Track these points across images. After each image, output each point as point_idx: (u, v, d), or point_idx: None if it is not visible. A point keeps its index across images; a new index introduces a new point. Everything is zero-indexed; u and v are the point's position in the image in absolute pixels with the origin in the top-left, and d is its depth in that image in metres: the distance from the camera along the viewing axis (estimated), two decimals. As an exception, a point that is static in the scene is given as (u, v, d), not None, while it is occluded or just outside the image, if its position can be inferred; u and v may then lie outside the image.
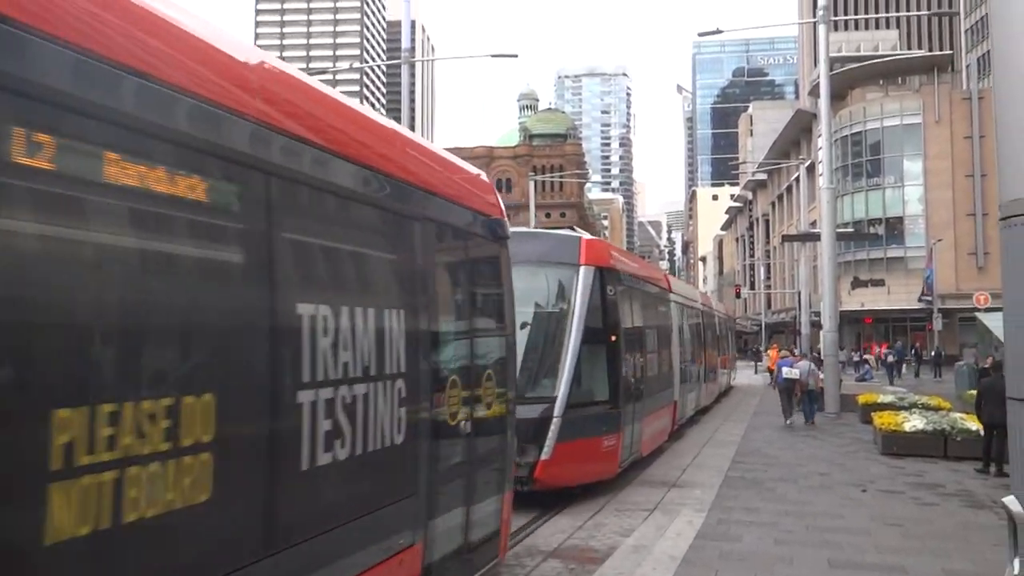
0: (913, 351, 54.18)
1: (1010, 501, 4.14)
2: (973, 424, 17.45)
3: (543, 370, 13.08)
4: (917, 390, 30.05)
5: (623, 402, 13.94)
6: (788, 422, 24.05)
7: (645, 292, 17.65)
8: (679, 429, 21.58)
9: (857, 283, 66.34)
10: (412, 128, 35.07)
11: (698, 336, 26.50)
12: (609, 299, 13.81)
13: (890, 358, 46.70)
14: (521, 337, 11.74)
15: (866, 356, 50.50)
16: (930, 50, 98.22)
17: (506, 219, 8.03)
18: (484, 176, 7.92)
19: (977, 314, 38.37)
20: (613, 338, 13.81)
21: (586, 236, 15.02)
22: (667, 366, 19.45)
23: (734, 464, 16.70)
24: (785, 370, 24.70)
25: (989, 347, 33.63)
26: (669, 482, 14.61)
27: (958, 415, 18.73)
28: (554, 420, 12.35)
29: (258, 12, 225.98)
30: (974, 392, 23.44)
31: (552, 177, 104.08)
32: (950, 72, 73.93)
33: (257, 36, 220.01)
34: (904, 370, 49.64)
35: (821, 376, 28.52)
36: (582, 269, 13.46)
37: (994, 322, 33.39)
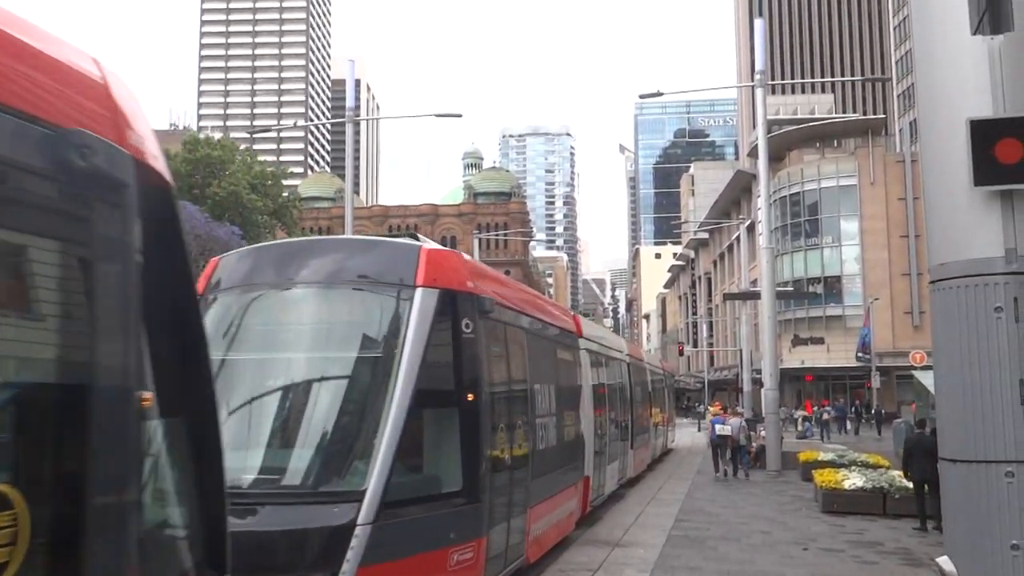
0: (853, 408, 55.02)
1: (943, 561, 4.21)
2: (911, 482, 17.70)
3: (344, 449, 8.50)
4: (857, 447, 30.44)
5: (487, 491, 9.18)
6: (719, 474, 26.01)
7: (534, 333, 12.66)
8: (593, 511, 16.87)
9: (797, 341, 67.37)
10: (356, 186, 34.89)
11: (622, 394, 21.65)
12: (465, 339, 9.18)
13: (824, 415, 47.56)
14: (300, 397, 8.88)
15: (796, 413, 51.00)
16: (864, 114, 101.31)
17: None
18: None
19: (914, 372, 39.09)
20: (470, 397, 9.15)
21: (431, 245, 9.92)
22: (573, 433, 14.52)
23: (677, 523, 16.70)
24: (718, 427, 26.72)
25: (926, 405, 34.25)
26: (613, 542, 14.55)
27: (896, 473, 18.97)
28: (357, 530, 7.68)
29: (202, 70, 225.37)
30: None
31: (497, 235, 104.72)
32: (884, 135, 76.25)
33: (200, 93, 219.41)
34: (848, 426, 50.55)
35: (761, 433, 28.89)
36: (420, 293, 8.82)
37: (930, 380, 33.96)
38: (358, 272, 9.35)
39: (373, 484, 7.77)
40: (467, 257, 10.61)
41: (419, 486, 8.74)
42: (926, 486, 15.74)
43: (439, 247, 10.07)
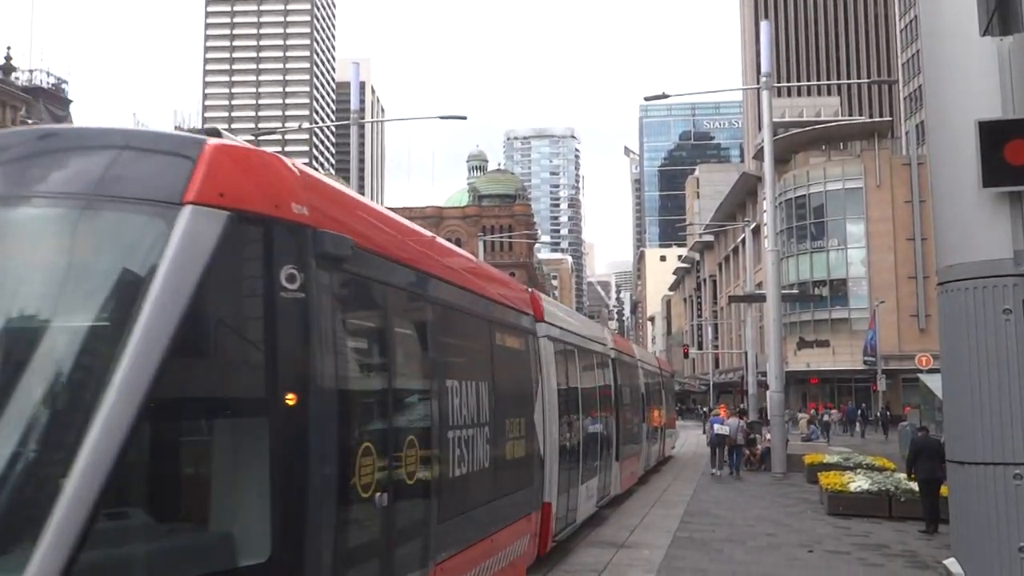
0: (860, 411, 54.98)
1: (950, 563, 4.20)
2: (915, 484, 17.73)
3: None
4: (863, 450, 30.36)
5: (327, 556, 5.24)
6: (715, 472, 27.40)
7: (448, 306, 8.31)
8: (558, 545, 13.11)
9: (803, 344, 67.30)
10: (361, 189, 34.97)
11: (605, 396, 17.78)
12: (284, 301, 5.09)
13: (825, 417, 47.75)
14: None
15: (800, 415, 51.01)
16: (870, 116, 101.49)
17: None
18: None
19: (920, 375, 39.02)
20: (291, 400, 5.04)
21: (232, 141, 5.69)
22: (522, 449, 10.64)
23: (683, 524, 16.68)
24: (716, 427, 28.16)
25: (932, 408, 34.21)
26: (618, 543, 14.54)
27: (902, 475, 18.92)
28: None
29: (207, 72, 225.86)
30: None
31: (501, 237, 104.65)
32: (890, 138, 76.14)
33: (206, 96, 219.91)
34: (857, 428, 50.70)
35: (767, 436, 28.91)
36: (188, 215, 4.71)
37: (936, 383, 33.98)
38: (91, 180, 4.95)
39: (45, 550, 3.84)
40: (303, 167, 5.91)
41: (162, 562, 4.60)
42: (930, 487, 15.94)
43: (244, 145, 5.61)
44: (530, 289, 13.04)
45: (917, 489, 16.62)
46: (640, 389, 24.46)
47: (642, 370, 25.63)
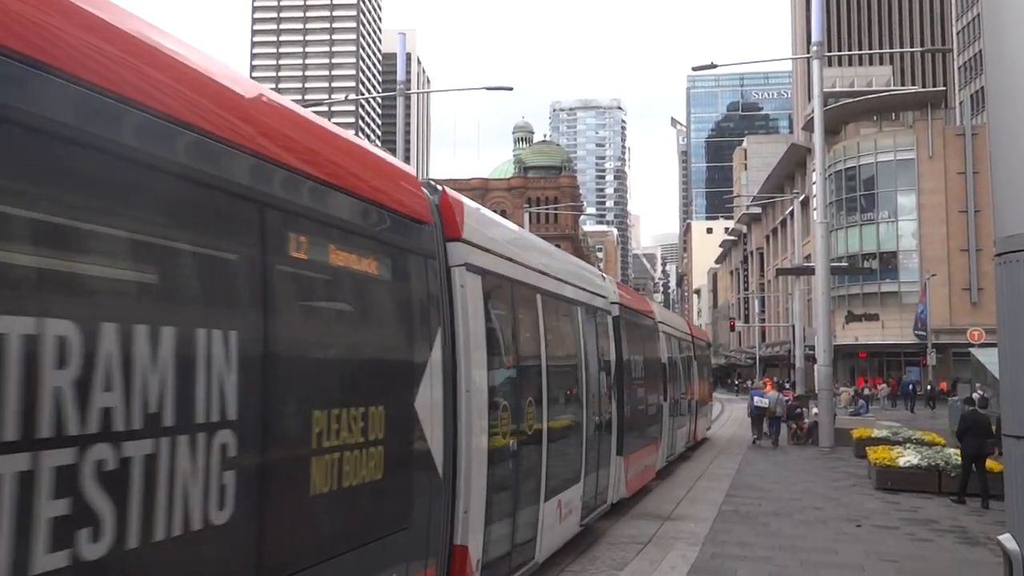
0: (912, 387, 54.23)
1: (1005, 539, 4.12)
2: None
3: None
4: (911, 425, 30.00)
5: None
6: (755, 442, 28.82)
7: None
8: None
9: (851, 317, 66.50)
10: (407, 160, 34.95)
11: (593, 369, 12.30)
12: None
13: (865, 391, 47.65)
14: None
15: (842, 388, 50.55)
16: (923, 86, 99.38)
17: None
18: None
19: (971, 350, 38.40)
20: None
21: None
22: (386, 468, 5.43)
23: (728, 498, 16.62)
24: (756, 399, 30.07)
25: (985, 384, 33.65)
26: (663, 515, 14.53)
27: (952, 451, 18.67)
28: None
29: (254, 44, 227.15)
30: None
31: (547, 209, 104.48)
32: (943, 108, 74.61)
33: (253, 68, 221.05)
34: (912, 402, 50.07)
35: (814, 411, 28.71)
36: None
37: (988, 358, 33.41)
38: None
39: None
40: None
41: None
42: (975, 464, 16.30)
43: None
44: (441, 187, 7.22)
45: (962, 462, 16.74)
46: (661, 360, 19.78)
47: (665, 336, 20.97)
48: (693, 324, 36.12)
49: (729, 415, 43.35)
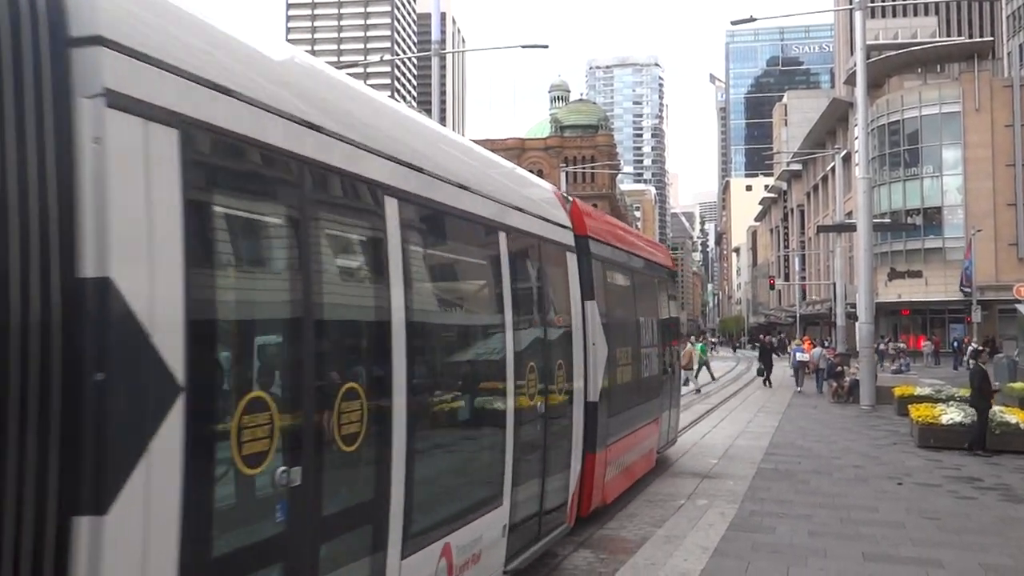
0: (956, 344, 53.53)
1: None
2: (1013, 417, 17.41)
3: None
4: (955, 382, 29.71)
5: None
6: (798, 389, 33.85)
7: None
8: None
9: (894, 274, 65.68)
10: (443, 121, 34.93)
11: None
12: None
13: (891, 348, 47.77)
14: None
15: (898, 345, 50.23)
16: (970, 37, 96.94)
17: None
18: None
19: (1018, 306, 37.81)
20: None
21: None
22: None
23: (767, 456, 16.59)
24: (798, 355, 36.65)
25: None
26: (702, 472, 14.55)
27: (997, 408, 18.47)
28: None
29: (289, 6, 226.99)
30: (1016, 384, 23.24)
31: (584, 168, 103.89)
32: (991, 59, 72.89)
33: (288, 30, 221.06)
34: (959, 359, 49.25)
35: (855, 367, 28.58)
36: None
37: (1035, 314, 32.99)
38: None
39: None
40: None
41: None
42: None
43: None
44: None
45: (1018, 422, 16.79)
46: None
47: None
48: (655, 242, 21.21)
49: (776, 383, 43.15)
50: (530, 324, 8.19)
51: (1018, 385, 24.25)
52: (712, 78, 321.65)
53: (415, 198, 5.64)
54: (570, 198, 10.77)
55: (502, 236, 7.30)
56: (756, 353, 46.00)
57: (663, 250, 17.39)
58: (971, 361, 18.76)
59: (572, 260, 9.50)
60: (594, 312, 10.01)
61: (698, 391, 33.91)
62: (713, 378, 41.32)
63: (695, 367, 35.83)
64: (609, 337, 10.55)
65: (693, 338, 46.46)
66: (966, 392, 22.88)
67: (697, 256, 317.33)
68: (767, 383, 36.82)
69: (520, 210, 7.99)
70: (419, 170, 5.75)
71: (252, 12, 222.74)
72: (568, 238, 9.56)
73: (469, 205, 6.70)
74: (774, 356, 41.07)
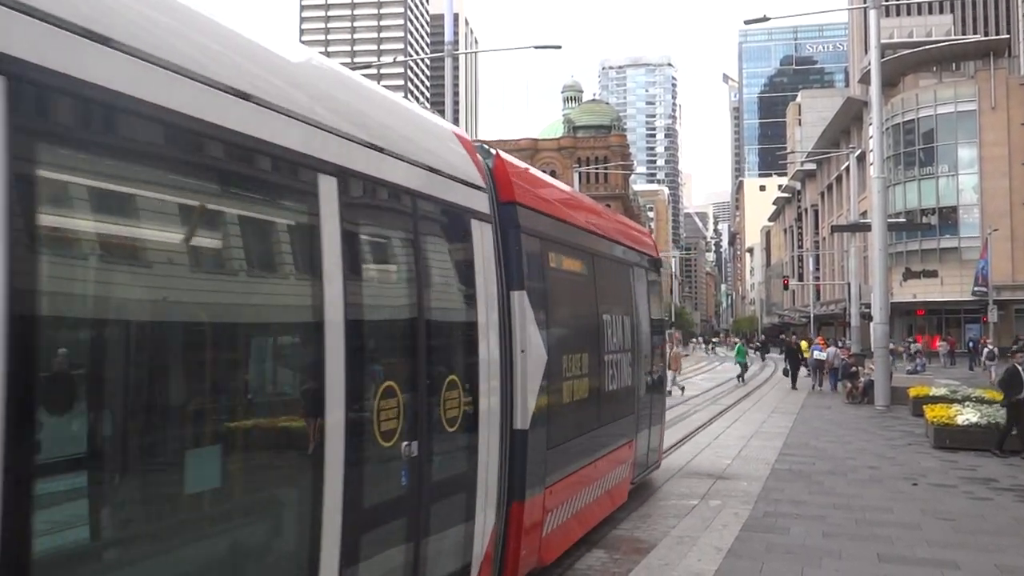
0: (971, 344, 53.24)
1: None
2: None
3: None
4: (971, 383, 29.53)
5: None
6: (817, 388, 35.00)
7: None
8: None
9: (909, 274, 65.36)
10: (456, 122, 34.87)
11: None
12: None
13: (911, 348, 47.62)
14: None
15: (912, 345, 50.03)
16: (985, 35, 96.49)
17: None
18: None
19: (1034, 305, 37.67)
20: None
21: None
22: None
23: (782, 457, 16.53)
24: (816, 353, 36.71)
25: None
26: (715, 473, 14.51)
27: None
28: None
29: (303, 8, 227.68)
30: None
31: (597, 169, 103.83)
32: (1007, 57, 72.43)
33: (302, 32, 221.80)
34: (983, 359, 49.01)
35: (870, 367, 28.49)
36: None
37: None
38: None
39: None
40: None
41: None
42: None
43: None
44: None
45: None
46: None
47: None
48: (637, 229, 14.38)
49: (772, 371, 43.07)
50: (378, 323, 5.30)
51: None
52: (725, 78, 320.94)
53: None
54: (493, 150, 7.43)
55: (325, 181, 4.49)
56: (758, 354, 45.92)
57: (643, 233, 13.98)
58: (987, 362, 18.74)
59: (485, 233, 6.61)
60: (524, 307, 7.14)
61: (682, 390, 33.50)
62: (743, 380, 41.45)
63: (681, 369, 37.49)
64: (552, 341, 7.78)
65: (735, 339, 47.76)
66: (983, 392, 22.80)
67: (711, 256, 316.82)
68: (795, 386, 36.54)
69: (375, 148, 5.08)
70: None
71: (266, 14, 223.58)
72: (479, 202, 6.63)
73: (244, 122, 3.95)
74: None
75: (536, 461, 7.37)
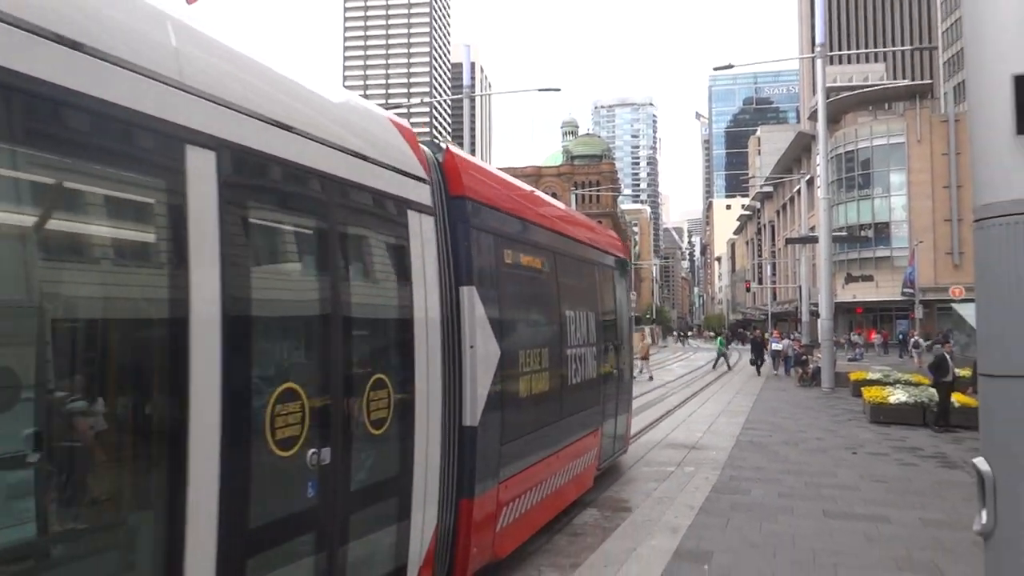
0: (901, 336, 53.01)
1: (979, 461, 4.04)
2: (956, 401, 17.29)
3: None
4: (901, 369, 29.40)
5: None
6: (776, 373, 34.79)
7: None
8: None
9: (850, 278, 65.18)
10: (473, 152, 34.84)
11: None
12: None
13: (853, 339, 47.51)
14: None
15: (854, 338, 49.61)
16: (913, 80, 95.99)
17: None
18: None
19: (953, 304, 37.45)
20: None
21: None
22: None
23: (744, 431, 16.48)
24: (773, 345, 38.05)
25: (963, 332, 32.84)
26: (689, 444, 14.48)
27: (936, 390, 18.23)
28: None
29: (346, 58, 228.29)
30: (963, 372, 23.14)
31: (590, 191, 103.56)
32: (930, 99, 72.10)
33: (345, 78, 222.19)
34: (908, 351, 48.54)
35: (817, 356, 28.34)
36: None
37: (966, 311, 32.63)
38: None
39: None
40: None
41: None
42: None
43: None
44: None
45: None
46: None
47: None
48: (595, 227, 11.97)
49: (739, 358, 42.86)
50: (271, 319, 3.93)
51: (964, 372, 23.99)
52: (697, 115, 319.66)
53: None
54: (444, 144, 6.29)
55: (196, 155, 3.30)
56: (717, 344, 44.72)
57: (609, 235, 12.27)
58: (914, 351, 18.67)
59: (426, 226, 5.40)
60: (473, 303, 6.05)
61: (650, 378, 31.60)
62: (729, 367, 40.49)
63: (650, 357, 36.31)
64: (507, 337, 6.66)
65: (712, 333, 47.26)
66: (911, 376, 22.69)
67: (685, 264, 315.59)
68: (759, 372, 35.88)
69: (278, 125, 3.88)
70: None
71: (313, 59, 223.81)
72: (419, 193, 5.39)
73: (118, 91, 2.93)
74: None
75: (487, 457, 6.23)
